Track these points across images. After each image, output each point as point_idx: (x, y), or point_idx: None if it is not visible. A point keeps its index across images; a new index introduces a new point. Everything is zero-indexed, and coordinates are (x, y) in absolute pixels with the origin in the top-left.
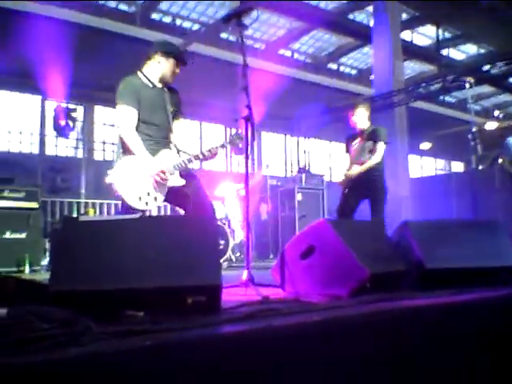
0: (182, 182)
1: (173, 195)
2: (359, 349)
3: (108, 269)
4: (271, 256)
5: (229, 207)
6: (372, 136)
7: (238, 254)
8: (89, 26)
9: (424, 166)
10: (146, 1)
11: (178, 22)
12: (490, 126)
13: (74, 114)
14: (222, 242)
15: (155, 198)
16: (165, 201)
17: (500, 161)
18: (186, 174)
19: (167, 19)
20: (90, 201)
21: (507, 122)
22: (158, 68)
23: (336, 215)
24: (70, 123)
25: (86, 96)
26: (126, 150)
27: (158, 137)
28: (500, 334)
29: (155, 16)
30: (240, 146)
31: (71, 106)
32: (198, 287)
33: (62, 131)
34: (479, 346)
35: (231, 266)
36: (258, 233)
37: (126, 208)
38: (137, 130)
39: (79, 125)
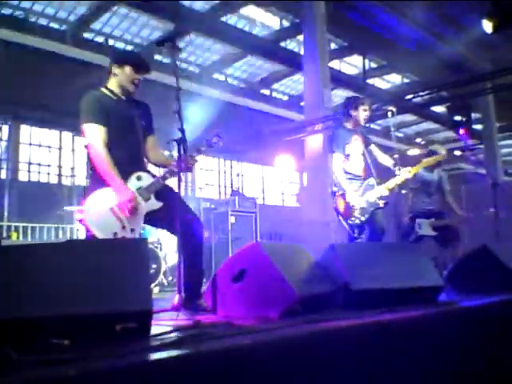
0: (159, 204)
1: (153, 218)
2: (289, 370)
3: (31, 295)
4: (204, 280)
5: (161, 230)
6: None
7: (171, 278)
8: (16, 42)
9: None
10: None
11: (111, 42)
12: (412, 152)
13: None
14: (153, 265)
15: (132, 230)
16: (145, 223)
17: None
18: (162, 192)
19: (100, 39)
20: (13, 224)
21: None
22: (116, 80)
23: None
24: None
25: (11, 114)
26: (96, 179)
27: (129, 157)
28: (425, 350)
29: (87, 35)
30: (219, 144)
31: None
32: (127, 313)
33: None
34: (406, 363)
35: (163, 291)
36: None
37: None
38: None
39: (3, 144)
